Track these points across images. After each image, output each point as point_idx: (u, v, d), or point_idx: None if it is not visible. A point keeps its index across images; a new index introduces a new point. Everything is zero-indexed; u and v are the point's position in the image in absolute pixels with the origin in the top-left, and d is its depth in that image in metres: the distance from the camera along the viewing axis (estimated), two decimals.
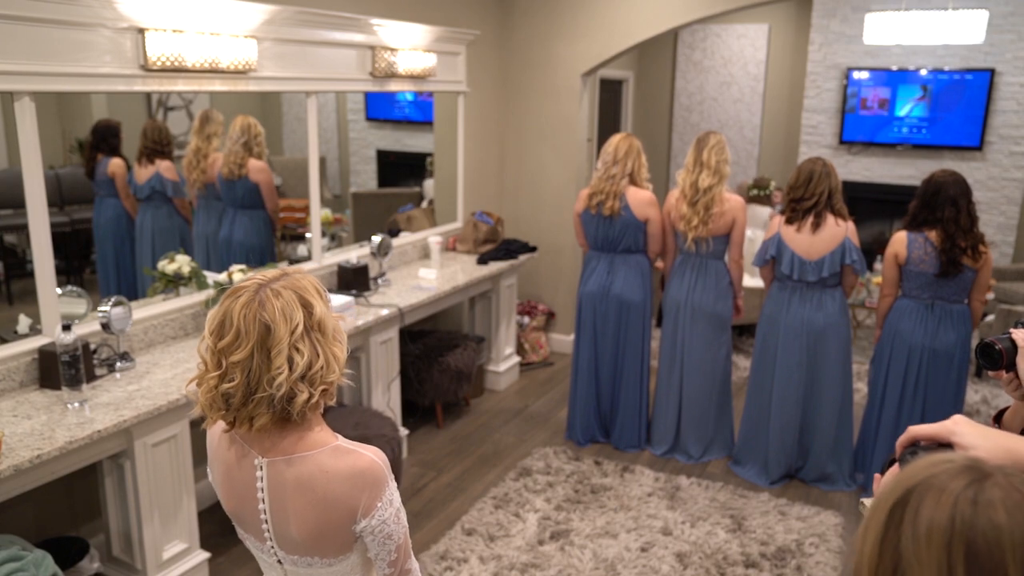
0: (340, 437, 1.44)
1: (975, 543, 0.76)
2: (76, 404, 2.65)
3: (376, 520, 1.39)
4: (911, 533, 0.78)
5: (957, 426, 1.09)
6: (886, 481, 1.05)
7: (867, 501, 0.97)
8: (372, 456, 1.40)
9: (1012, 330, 1.37)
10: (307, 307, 1.35)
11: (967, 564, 0.76)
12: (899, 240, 3.65)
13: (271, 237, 4.26)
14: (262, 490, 1.42)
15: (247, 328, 1.32)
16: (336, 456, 1.39)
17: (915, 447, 1.09)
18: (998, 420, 1.41)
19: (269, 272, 1.41)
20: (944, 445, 1.08)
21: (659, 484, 3.97)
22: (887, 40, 5.41)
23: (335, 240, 4.71)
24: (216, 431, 1.48)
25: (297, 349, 1.33)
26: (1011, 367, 1.35)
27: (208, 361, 1.36)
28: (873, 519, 0.83)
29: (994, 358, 1.35)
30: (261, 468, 1.41)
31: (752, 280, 5.90)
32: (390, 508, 1.41)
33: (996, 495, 0.77)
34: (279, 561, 1.49)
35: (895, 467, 1.07)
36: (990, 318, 5.61)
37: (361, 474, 1.38)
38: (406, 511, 1.75)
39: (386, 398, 4.02)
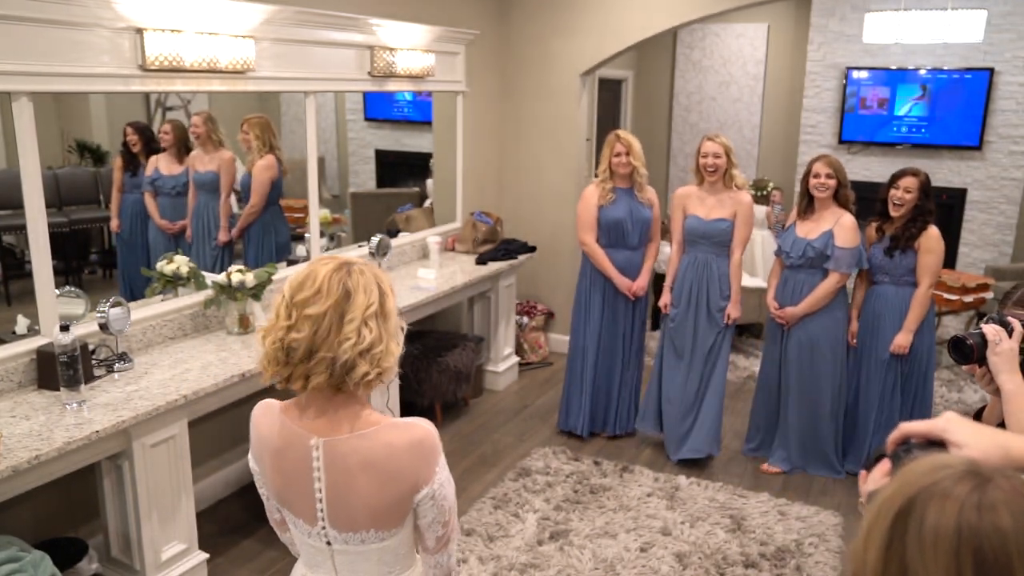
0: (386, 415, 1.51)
1: (982, 549, 0.75)
2: (74, 405, 2.64)
3: (436, 485, 1.47)
4: (917, 543, 0.78)
5: (949, 423, 1.08)
6: (875, 479, 1.03)
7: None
8: (426, 426, 1.48)
9: (983, 325, 1.39)
10: (382, 294, 1.45)
11: (975, 569, 0.75)
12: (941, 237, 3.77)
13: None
14: (318, 470, 1.45)
15: (330, 287, 1.39)
16: (396, 430, 1.45)
17: (907, 444, 1.07)
18: (976, 419, 1.42)
19: (352, 256, 1.50)
20: (935, 443, 1.07)
21: (658, 484, 3.97)
22: (886, 39, 5.42)
23: (334, 240, 4.70)
24: (262, 419, 1.52)
25: (367, 324, 1.40)
26: (982, 361, 1.36)
27: (280, 313, 1.42)
28: (875, 529, 0.81)
29: (965, 352, 1.38)
30: (318, 448, 1.45)
31: (751, 280, 5.89)
32: (444, 472, 1.49)
33: (999, 498, 0.77)
34: (328, 543, 1.51)
35: (884, 463, 1.05)
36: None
37: (420, 443, 1.45)
38: None
39: (385, 398, 4.00)
